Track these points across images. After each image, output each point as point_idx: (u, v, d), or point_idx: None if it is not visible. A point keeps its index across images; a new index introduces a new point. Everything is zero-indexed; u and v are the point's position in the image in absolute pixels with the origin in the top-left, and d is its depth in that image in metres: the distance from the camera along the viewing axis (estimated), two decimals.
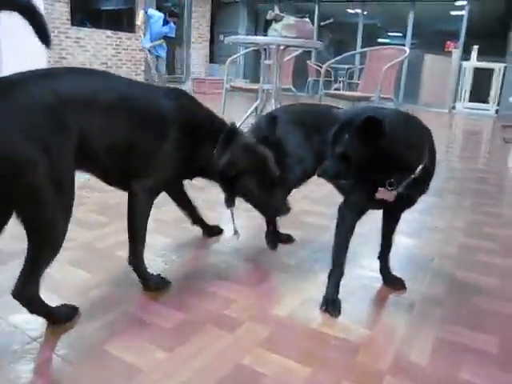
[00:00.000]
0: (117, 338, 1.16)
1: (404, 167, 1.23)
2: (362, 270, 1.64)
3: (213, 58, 12.49)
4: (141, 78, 9.12)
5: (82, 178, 2.62)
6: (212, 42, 12.24)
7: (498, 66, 9.17)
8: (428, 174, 1.29)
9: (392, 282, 1.51)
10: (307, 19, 3.28)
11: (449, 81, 9.88)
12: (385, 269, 1.53)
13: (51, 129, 1.03)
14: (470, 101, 9.48)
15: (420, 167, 1.23)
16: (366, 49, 4.34)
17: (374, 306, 1.42)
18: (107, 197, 2.31)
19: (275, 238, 1.78)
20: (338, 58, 4.50)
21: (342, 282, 1.38)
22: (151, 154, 1.31)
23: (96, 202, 2.23)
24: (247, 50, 5.67)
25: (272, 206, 1.46)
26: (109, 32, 8.23)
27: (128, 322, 1.23)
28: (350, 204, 1.39)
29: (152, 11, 7.67)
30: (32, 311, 1.14)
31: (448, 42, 11.53)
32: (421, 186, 1.31)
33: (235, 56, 4.81)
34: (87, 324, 1.21)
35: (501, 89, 9.22)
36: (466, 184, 3.18)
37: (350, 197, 1.40)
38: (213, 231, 1.90)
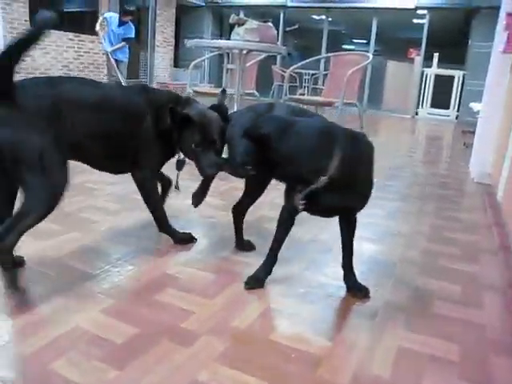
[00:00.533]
0: (63, 356, 1.07)
1: (300, 177, 1.30)
2: (325, 278, 1.60)
3: (177, 63, 12.36)
4: (104, 82, 8.92)
5: None
6: (177, 46, 12.12)
7: (457, 74, 9.47)
8: (341, 187, 1.29)
9: (356, 290, 1.49)
10: (270, 23, 3.25)
11: (411, 87, 10.12)
12: (349, 276, 1.50)
13: (49, 121, 1.33)
14: (432, 106, 9.74)
15: (322, 179, 1.26)
16: (329, 54, 4.37)
17: (336, 316, 1.39)
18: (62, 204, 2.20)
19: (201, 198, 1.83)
20: (302, 63, 4.50)
21: (303, 291, 1.35)
22: (136, 144, 1.64)
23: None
24: (211, 55, 5.62)
25: (202, 164, 1.64)
26: (70, 35, 8.00)
27: (77, 338, 1.15)
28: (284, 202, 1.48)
29: (108, 14, 7.44)
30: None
31: (410, 50, 11.86)
32: (335, 198, 1.32)
33: (198, 60, 4.75)
34: (30, 341, 1.12)
35: (460, 95, 9.52)
36: (429, 189, 3.22)
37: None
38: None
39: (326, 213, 1.44)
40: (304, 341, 1.20)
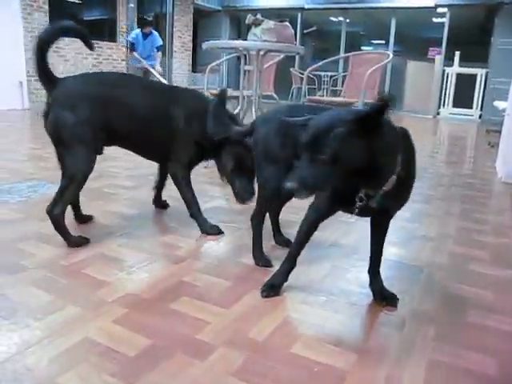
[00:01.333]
0: (72, 369, 1.02)
1: (377, 177, 1.11)
2: (348, 284, 1.52)
3: (195, 68, 12.40)
4: None
5: (52, 189, 2.44)
6: (194, 51, 12.15)
7: (480, 72, 9.23)
8: (404, 185, 1.17)
9: (383, 298, 1.40)
10: (287, 23, 3.18)
11: (432, 87, 9.92)
12: (375, 283, 1.42)
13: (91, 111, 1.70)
14: (454, 106, 9.52)
15: (393, 178, 1.12)
16: (348, 54, 4.27)
17: (361, 326, 1.30)
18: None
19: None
20: (320, 64, 4.42)
21: (324, 299, 1.28)
22: (169, 141, 1.89)
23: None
24: (228, 57, 5.56)
25: (238, 190, 1.89)
26: None
27: (87, 351, 1.09)
28: (315, 206, 1.34)
29: (132, 34, 7.52)
30: (55, 228, 1.71)
31: (431, 49, 11.62)
32: (396, 197, 1.21)
33: (215, 63, 4.70)
34: (40, 353, 1.07)
35: (483, 94, 9.27)
36: (454, 190, 3.10)
37: (317, 199, 1.32)
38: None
39: (368, 214, 1.31)
40: (327, 353, 1.12)
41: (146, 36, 7.46)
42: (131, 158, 3.62)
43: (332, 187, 1.18)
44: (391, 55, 3.89)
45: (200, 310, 1.30)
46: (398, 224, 2.16)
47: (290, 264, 1.42)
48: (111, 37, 8.80)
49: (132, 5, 8.91)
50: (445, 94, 9.61)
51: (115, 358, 1.07)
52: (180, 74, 11.05)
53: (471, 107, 9.43)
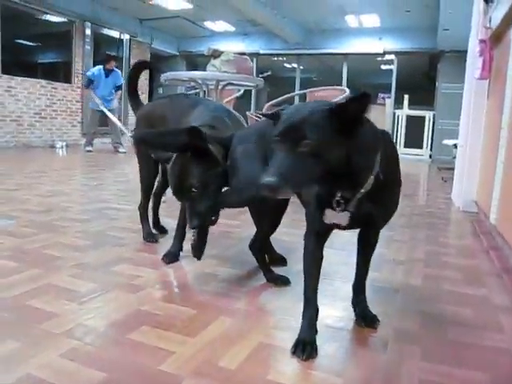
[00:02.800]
0: None
1: (354, 177, 1.02)
2: (322, 308, 1.41)
3: None
4: (77, 130, 8.76)
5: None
6: (151, 94, 12.17)
7: (427, 114, 9.71)
8: (385, 188, 1.08)
9: (363, 318, 1.30)
10: (246, 56, 3.20)
11: (385, 128, 10.30)
12: (358, 301, 1.32)
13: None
14: (406, 147, 9.89)
15: (371, 178, 1.03)
16: (305, 90, 4.36)
17: (341, 350, 1.19)
18: (23, 242, 1.98)
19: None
20: (278, 100, 4.47)
21: (297, 324, 1.16)
22: None
23: (9, 248, 1.89)
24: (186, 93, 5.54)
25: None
26: (43, 82, 7.88)
27: None
28: (307, 227, 1.19)
29: (92, 70, 7.37)
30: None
31: (380, 94, 12.20)
32: (379, 203, 1.10)
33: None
34: None
35: (432, 135, 9.72)
36: (416, 218, 3.11)
37: (307, 218, 1.20)
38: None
39: (352, 225, 1.15)
40: (310, 380, 1.00)
41: (108, 73, 7.28)
42: (84, 194, 3.44)
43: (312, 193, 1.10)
44: (348, 91, 3.97)
45: (162, 340, 1.15)
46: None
47: (310, 310, 1.18)
48: (66, 78, 8.65)
49: (88, 47, 8.85)
50: (396, 135, 10.00)
51: None
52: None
53: (421, 147, 9.83)
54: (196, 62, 12.68)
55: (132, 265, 1.77)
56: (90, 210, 2.78)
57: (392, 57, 10.50)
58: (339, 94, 4.29)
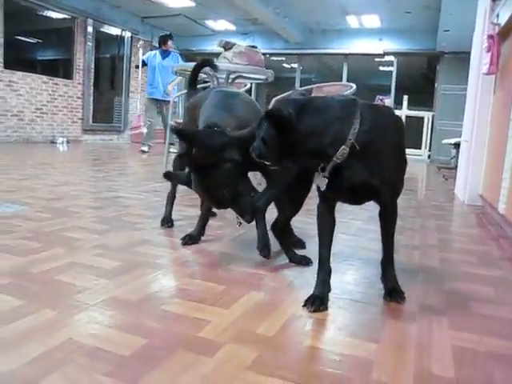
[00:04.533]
0: (57, 371, 0.86)
1: (319, 152, 1.17)
2: (348, 285, 1.44)
3: None
4: (78, 126, 8.75)
5: (11, 209, 2.27)
6: None
7: (426, 115, 9.78)
8: (366, 153, 1.16)
9: (389, 293, 1.32)
10: (257, 49, 3.22)
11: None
12: (385, 276, 1.34)
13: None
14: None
15: (341, 149, 1.14)
16: (311, 86, 4.36)
17: (372, 320, 1.21)
18: (41, 225, 1.99)
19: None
20: (282, 96, 4.48)
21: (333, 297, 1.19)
22: None
23: (28, 230, 1.90)
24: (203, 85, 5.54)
25: None
26: (45, 77, 7.86)
27: (71, 352, 0.93)
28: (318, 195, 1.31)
29: (147, 54, 6.86)
30: None
31: (378, 96, 12.27)
32: (370, 168, 1.18)
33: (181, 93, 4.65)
34: (14, 357, 0.90)
35: (431, 135, 9.79)
36: (424, 210, 3.14)
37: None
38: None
39: (354, 195, 1.27)
40: (346, 345, 1.02)
41: (165, 55, 6.52)
42: (92, 184, 3.45)
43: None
44: (354, 86, 3.99)
45: (197, 311, 1.17)
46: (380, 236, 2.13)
47: (324, 270, 1.28)
48: (67, 75, 8.64)
49: (90, 44, 8.84)
50: None
51: (107, 358, 0.92)
52: (136, 114, 10.95)
53: (420, 148, 9.90)
54: (196, 60, 12.67)
55: (153, 246, 1.78)
56: (101, 198, 2.79)
57: (391, 57, 10.56)
58: (345, 89, 4.31)
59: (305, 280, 1.46)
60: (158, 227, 2.11)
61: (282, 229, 1.65)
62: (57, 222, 2.07)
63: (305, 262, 1.61)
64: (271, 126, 1.16)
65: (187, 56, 12.68)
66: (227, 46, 3.10)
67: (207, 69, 3.25)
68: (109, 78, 10.18)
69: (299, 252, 1.69)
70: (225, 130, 1.53)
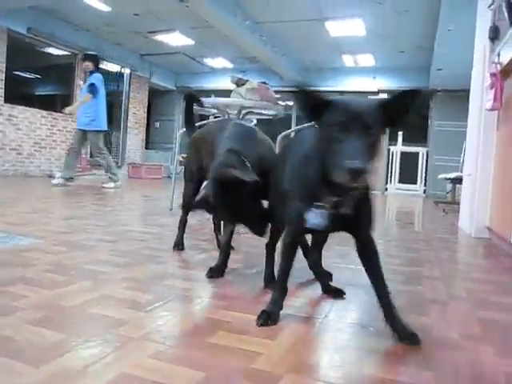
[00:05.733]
0: None
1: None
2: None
3: (148, 145, 12.48)
4: None
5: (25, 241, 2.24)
6: (148, 128, 12.31)
7: (421, 150, 9.98)
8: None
9: (402, 335, 1.20)
10: (268, 85, 3.31)
11: (379, 164, 10.52)
12: (395, 323, 1.22)
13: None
14: (400, 182, 10.09)
15: None
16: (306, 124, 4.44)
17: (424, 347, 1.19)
18: (61, 258, 1.97)
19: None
20: (286, 133, 4.55)
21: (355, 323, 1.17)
22: None
23: (49, 262, 1.88)
24: (203, 122, 5.60)
25: None
26: (44, 112, 7.95)
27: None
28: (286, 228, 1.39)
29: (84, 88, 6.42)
30: None
31: None
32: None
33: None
34: None
35: (426, 170, 9.96)
36: (435, 243, 3.16)
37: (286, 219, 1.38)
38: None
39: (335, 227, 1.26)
40: (402, 373, 1.01)
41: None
42: (102, 218, 3.43)
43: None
44: None
45: (244, 343, 1.15)
46: (396, 268, 2.14)
47: (279, 290, 1.37)
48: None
49: None
50: (391, 171, 10.22)
51: None
52: (133, 150, 11.03)
53: (416, 183, 10.04)
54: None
55: (180, 279, 1.77)
56: (114, 232, 2.77)
57: (385, 95, 10.86)
58: None
59: (341, 312, 1.45)
60: (179, 260, 2.09)
61: (316, 262, 1.67)
62: (76, 255, 2.04)
63: (338, 294, 1.60)
64: None
65: (184, 93, 12.94)
66: (240, 83, 3.18)
67: (221, 102, 3.33)
68: (107, 114, 10.30)
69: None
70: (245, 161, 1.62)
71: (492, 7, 3.41)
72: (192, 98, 2.47)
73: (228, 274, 1.87)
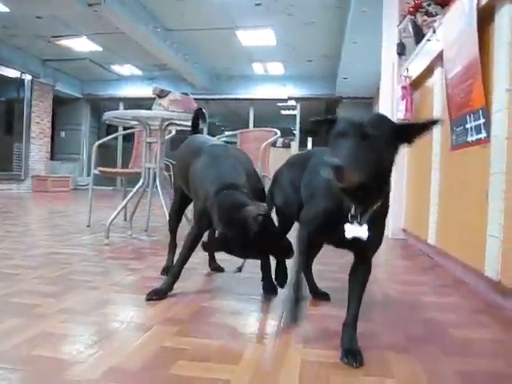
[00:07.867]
0: None
1: (379, 190, 1.20)
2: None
3: (53, 156, 11.69)
4: None
5: None
6: (53, 138, 11.54)
7: None
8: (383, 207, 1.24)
9: (348, 355, 1.20)
10: (191, 97, 3.27)
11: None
12: (347, 336, 1.25)
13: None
14: None
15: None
16: (237, 131, 4.50)
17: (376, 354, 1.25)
18: None
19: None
20: (222, 137, 4.55)
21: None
22: None
23: None
24: (122, 133, 5.38)
25: None
26: None
27: None
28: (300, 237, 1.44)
29: None
30: None
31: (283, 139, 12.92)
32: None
33: (107, 138, 4.50)
34: None
35: None
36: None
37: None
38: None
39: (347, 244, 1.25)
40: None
41: None
42: (18, 240, 3.14)
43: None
44: (279, 132, 4.16)
45: (209, 371, 1.13)
46: (335, 275, 2.23)
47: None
48: None
49: None
50: None
51: None
52: (37, 161, 10.27)
53: None
54: (100, 105, 12.35)
55: (120, 305, 1.68)
56: (35, 256, 2.55)
57: (293, 102, 11.28)
58: (270, 135, 4.47)
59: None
60: (113, 284, 1.98)
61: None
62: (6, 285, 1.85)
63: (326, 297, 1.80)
64: None
65: (91, 101, 12.29)
66: (162, 94, 3.10)
67: (141, 116, 3.22)
68: (6, 124, 9.48)
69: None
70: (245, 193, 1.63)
71: (400, 26, 3.70)
72: (201, 115, 2.43)
73: (171, 296, 1.81)
